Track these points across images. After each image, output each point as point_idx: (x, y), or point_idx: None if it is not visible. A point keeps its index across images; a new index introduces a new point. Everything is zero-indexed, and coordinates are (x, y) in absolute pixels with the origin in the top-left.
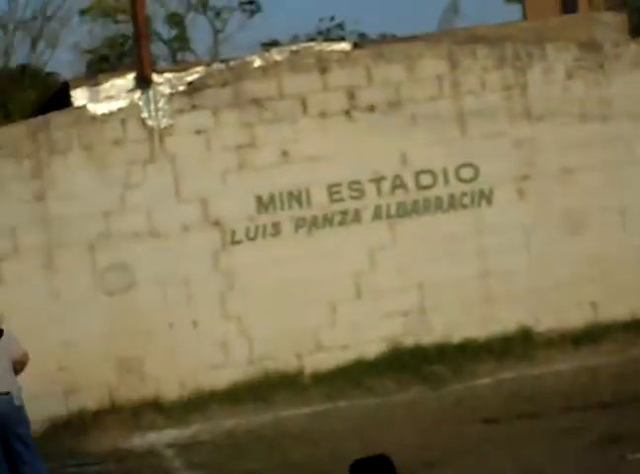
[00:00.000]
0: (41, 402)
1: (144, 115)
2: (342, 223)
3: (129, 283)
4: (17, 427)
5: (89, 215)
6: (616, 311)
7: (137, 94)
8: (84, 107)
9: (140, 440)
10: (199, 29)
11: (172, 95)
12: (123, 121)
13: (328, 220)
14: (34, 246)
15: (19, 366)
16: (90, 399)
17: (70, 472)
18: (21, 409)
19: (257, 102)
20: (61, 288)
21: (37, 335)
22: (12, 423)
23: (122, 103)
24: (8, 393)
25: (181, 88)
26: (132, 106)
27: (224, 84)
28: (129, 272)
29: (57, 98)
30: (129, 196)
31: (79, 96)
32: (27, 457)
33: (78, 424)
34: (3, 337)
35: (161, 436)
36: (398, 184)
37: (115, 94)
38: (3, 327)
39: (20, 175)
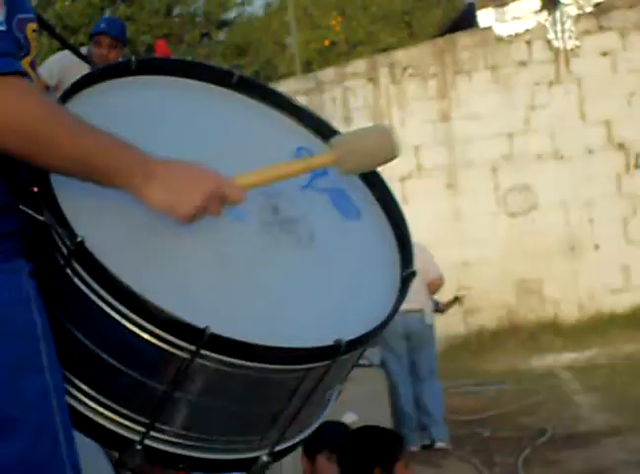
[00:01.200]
0: (441, 321)
1: (550, 36)
2: None
3: (532, 205)
4: (425, 345)
5: (493, 136)
6: None
7: (544, 15)
8: (490, 28)
9: (538, 362)
10: None
11: (579, 16)
12: (529, 43)
13: None
14: (437, 166)
15: (433, 288)
16: (488, 319)
17: (468, 391)
18: (431, 328)
19: None
20: (463, 208)
21: (438, 254)
22: (421, 340)
23: (529, 24)
24: (420, 311)
25: (588, 9)
26: (539, 27)
27: (632, 5)
28: (532, 193)
29: (463, 18)
30: (534, 117)
31: (485, 17)
32: (428, 376)
33: (476, 344)
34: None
35: (559, 359)
36: None
37: (521, 15)
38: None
39: (425, 95)
